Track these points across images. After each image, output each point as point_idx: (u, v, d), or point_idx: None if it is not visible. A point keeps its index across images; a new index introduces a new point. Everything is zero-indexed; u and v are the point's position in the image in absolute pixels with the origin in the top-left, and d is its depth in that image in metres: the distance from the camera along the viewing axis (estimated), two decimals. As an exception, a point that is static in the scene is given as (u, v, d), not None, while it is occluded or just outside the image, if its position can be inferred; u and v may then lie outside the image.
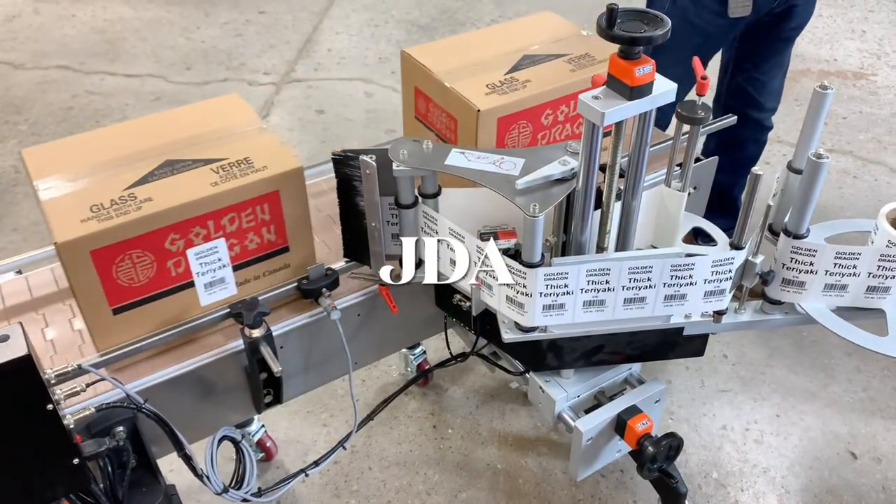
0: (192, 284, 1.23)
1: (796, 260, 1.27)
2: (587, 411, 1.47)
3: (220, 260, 1.23)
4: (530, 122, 1.43)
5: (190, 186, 1.19)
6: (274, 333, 1.27)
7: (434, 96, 1.47)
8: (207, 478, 1.28)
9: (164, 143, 1.29)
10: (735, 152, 2.17)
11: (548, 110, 1.45)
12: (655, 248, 1.47)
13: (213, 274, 1.24)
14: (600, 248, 1.31)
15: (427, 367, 2.06)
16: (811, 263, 1.27)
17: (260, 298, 1.28)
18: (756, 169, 1.16)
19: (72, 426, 1.03)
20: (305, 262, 1.34)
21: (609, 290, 1.21)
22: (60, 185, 1.19)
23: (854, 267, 1.27)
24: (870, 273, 1.28)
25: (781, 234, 1.29)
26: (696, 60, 1.33)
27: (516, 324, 1.26)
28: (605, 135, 1.14)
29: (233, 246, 1.25)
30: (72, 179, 1.21)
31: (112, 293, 1.16)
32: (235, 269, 1.27)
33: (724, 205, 2.25)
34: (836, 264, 1.27)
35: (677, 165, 1.36)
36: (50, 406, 0.97)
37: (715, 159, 1.70)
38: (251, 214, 1.23)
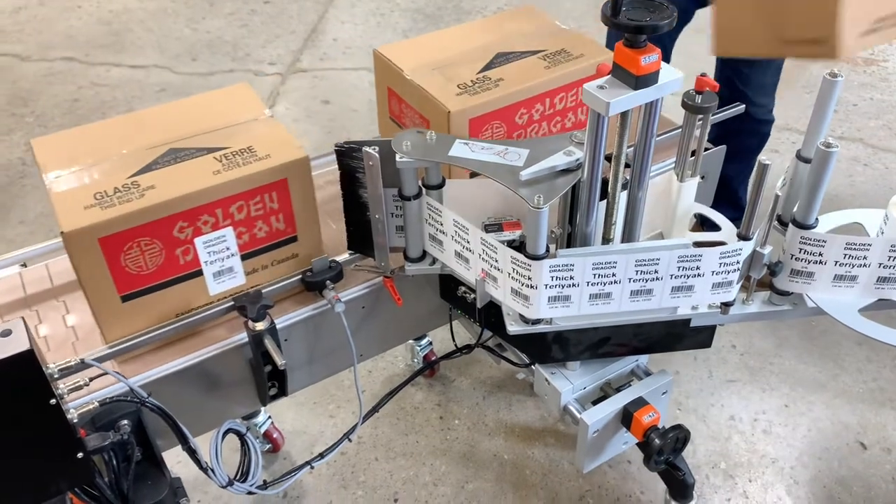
0: (200, 273, 1.24)
1: (805, 250, 1.26)
2: (594, 403, 1.46)
3: (228, 249, 1.23)
4: (504, 122, 1.40)
5: (193, 175, 1.19)
6: (278, 326, 1.27)
7: (406, 97, 1.45)
8: (212, 470, 1.28)
9: (169, 133, 1.29)
10: (733, 143, 2.14)
11: (522, 109, 1.41)
12: (662, 236, 1.46)
13: (221, 263, 1.24)
14: (606, 240, 1.30)
15: (433, 359, 2.06)
16: (820, 254, 1.26)
17: (263, 291, 1.27)
18: (763, 158, 1.14)
19: (75, 420, 1.03)
20: (313, 253, 1.33)
21: (615, 282, 1.20)
22: (66, 175, 1.20)
23: (864, 258, 1.26)
24: (880, 263, 1.26)
25: (790, 225, 1.27)
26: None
27: (521, 316, 1.26)
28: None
29: (241, 234, 1.25)
30: (78, 169, 1.21)
31: (121, 281, 1.17)
32: (244, 258, 1.27)
33: (725, 196, 2.22)
34: (845, 255, 1.26)
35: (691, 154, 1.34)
36: (53, 400, 0.97)
37: (723, 148, 1.68)
38: (260, 203, 1.23)
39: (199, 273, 1.24)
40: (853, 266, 1.27)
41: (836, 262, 1.26)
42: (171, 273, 1.21)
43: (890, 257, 1.25)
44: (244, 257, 1.27)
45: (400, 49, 1.50)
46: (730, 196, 2.27)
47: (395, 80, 1.45)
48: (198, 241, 1.20)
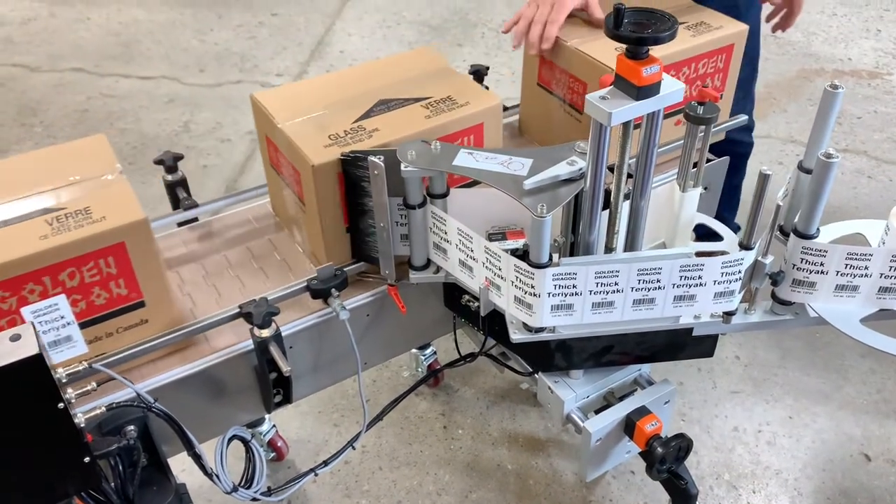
0: None
1: (807, 260, 1.27)
2: (597, 412, 1.46)
3: (63, 318, 1.10)
4: None
5: (17, 240, 1.10)
6: (283, 333, 1.28)
7: (280, 146, 1.38)
8: (217, 477, 1.29)
9: (8, 191, 1.19)
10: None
11: None
12: (665, 246, 1.47)
13: (56, 332, 1.10)
14: (609, 249, 1.31)
15: (437, 368, 2.07)
16: (822, 264, 1.26)
17: (269, 298, 1.28)
18: (764, 168, 1.15)
19: (83, 425, 1.04)
20: (166, 318, 1.25)
21: (618, 291, 1.20)
22: None
23: (866, 268, 1.26)
24: (882, 274, 1.27)
25: (791, 234, 1.28)
26: None
27: (525, 324, 1.27)
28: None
29: (76, 302, 1.15)
30: None
31: None
32: (83, 325, 1.15)
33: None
34: (847, 265, 1.26)
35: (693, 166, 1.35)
36: (61, 405, 0.98)
37: (725, 160, 1.69)
38: (94, 268, 1.14)
39: None
40: (854, 276, 1.27)
41: (838, 272, 1.27)
42: None
43: (891, 267, 1.26)
44: (83, 325, 1.15)
45: (278, 95, 1.44)
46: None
47: (270, 128, 1.38)
48: (25, 310, 1.06)
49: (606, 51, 1.45)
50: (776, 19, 2.00)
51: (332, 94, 1.42)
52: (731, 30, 1.56)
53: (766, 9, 1.98)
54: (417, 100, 1.40)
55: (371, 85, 1.44)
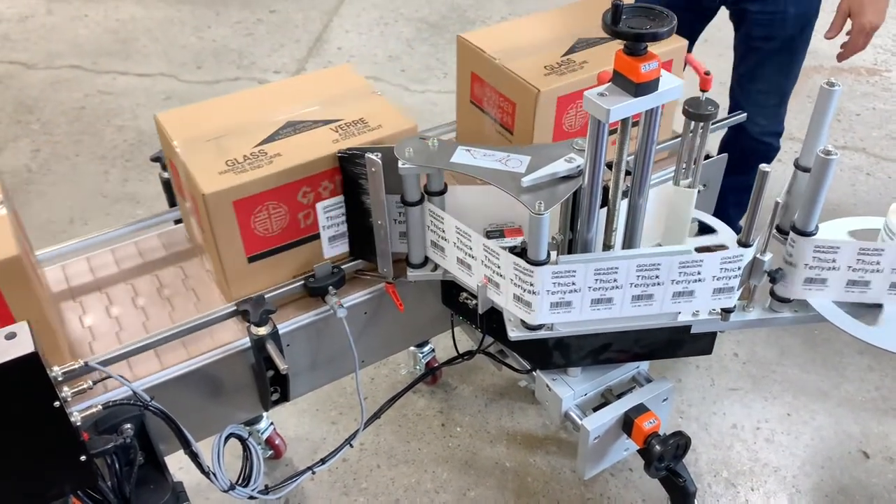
0: None
1: (818, 258, 1.26)
2: (595, 409, 1.46)
3: None
4: (282, 201, 1.26)
5: None
6: (280, 331, 1.27)
7: (179, 171, 1.30)
8: (214, 475, 1.29)
9: None
10: (729, 157, 2.03)
11: (304, 188, 1.27)
12: (663, 243, 1.46)
13: None
14: (607, 246, 1.31)
15: (435, 365, 2.06)
16: (833, 260, 1.26)
17: (266, 296, 1.28)
18: (764, 166, 1.15)
19: (79, 423, 1.04)
20: (55, 357, 1.17)
21: (617, 287, 1.20)
22: None
23: (878, 263, 1.26)
24: (893, 269, 1.26)
25: (791, 232, 1.27)
26: (690, 58, 1.32)
27: (523, 322, 1.26)
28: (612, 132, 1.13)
29: None
30: None
31: None
32: None
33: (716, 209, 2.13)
34: (859, 260, 1.26)
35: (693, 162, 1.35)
36: (57, 403, 0.98)
37: (724, 157, 1.69)
38: None
39: None
40: (866, 272, 1.27)
41: (850, 267, 1.27)
42: None
43: None
44: None
45: (181, 115, 1.36)
46: (718, 210, 2.24)
47: (171, 151, 1.31)
48: None
49: (534, 69, 1.41)
50: (841, 51, 2.02)
51: (239, 115, 1.35)
52: (671, 45, 1.50)
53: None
54: (327, 122, 1.32)
55: (282, 105, 1.37)
